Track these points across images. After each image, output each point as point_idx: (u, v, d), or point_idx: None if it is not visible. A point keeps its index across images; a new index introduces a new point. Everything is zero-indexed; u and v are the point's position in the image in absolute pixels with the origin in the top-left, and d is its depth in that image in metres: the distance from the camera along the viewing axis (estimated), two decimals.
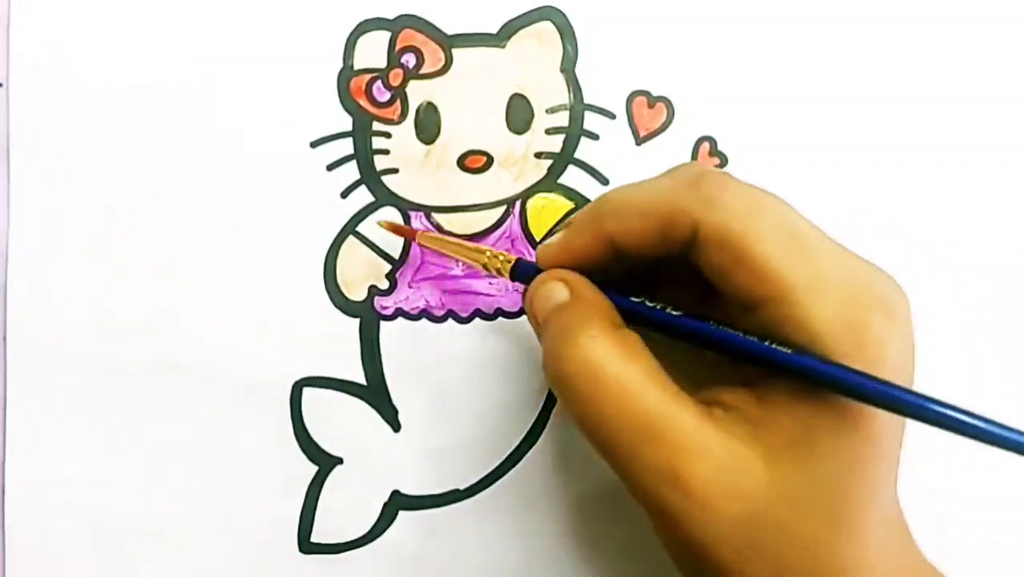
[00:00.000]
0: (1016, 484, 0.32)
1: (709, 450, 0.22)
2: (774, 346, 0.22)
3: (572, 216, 0.29)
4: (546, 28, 0.31)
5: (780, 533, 0.22)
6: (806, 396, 0.22)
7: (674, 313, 0.24)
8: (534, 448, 0.31)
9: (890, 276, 0.23)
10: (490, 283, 0.31)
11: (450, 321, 0.31)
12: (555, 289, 0.25)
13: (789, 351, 0.22)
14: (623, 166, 0.31)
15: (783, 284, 0.22)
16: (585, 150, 0.31)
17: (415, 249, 0.31)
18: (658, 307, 0.24)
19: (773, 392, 0.23)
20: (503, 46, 0.31)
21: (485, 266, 0.28)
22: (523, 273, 0.27)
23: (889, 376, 0.21)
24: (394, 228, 0.30)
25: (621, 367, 0.23)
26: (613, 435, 0.23)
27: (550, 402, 0.31)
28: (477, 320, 0.31)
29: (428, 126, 0.31)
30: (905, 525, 0.24)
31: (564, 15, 0.31)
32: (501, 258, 0.27)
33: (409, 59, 0.31)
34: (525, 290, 0.26)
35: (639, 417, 0.22)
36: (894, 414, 0.21)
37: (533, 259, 0.27)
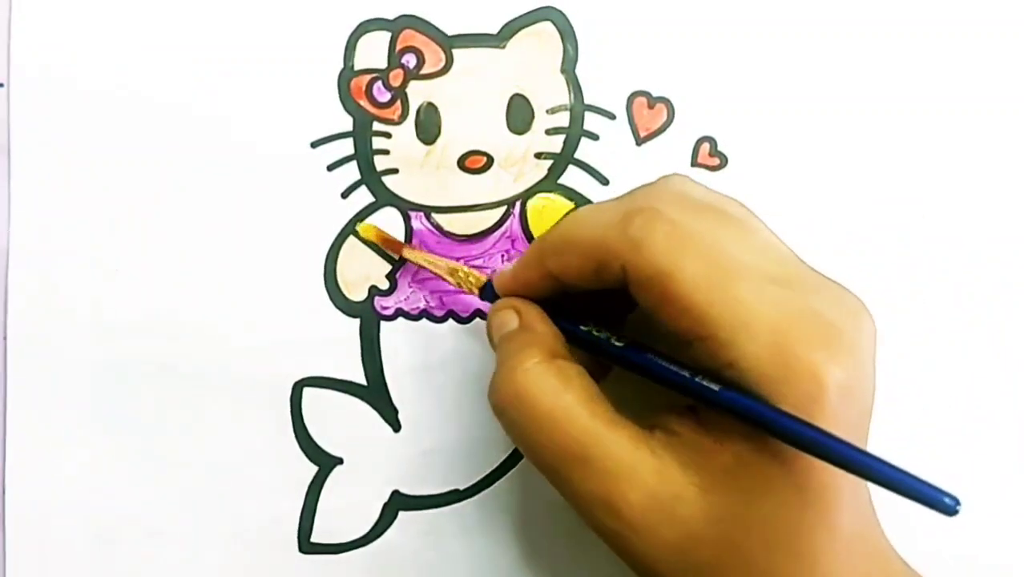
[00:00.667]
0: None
1: (642, 476, 0.22)
2: (703, 382, 0.22)
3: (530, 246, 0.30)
4: (546, 28, 0.31)
5: (720, 559, 0.22)
6: (743, 429, 0.22)
7: (616, 344, 0.25)
8: None
9: (851, 301, 0.23)
10: None
11: (450, 321, 0.31)
12: (507, 317, 0.26)
13: (716, 387, 0.22)
14: (623, 166, 0.31)
15: (708, 322, 0.22)
16: (585, 150, 0.31)
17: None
18: (603, 337, 0.25)
19: (714, 421, 0.23)
20: (503, 46, 0.31)
21: (459, 284, 0.29)
22: (490, 294, 0.28)
23: (828, 412, 0.21)
24: (384, 240, 0.31)
25: (551, 396, 0.23)
26: (546, 460, 0.24)
27: None
28: (477, 320, 0.31)
29: (428, 126, 0.31)
30: (877, 536, 0.23)
31: (564, 15, 0.31)
32: (472, 278, 0.29)
33: (409, 59, 0.31)
34: None
35: (568, 443, 0.23)
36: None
37: None
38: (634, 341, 0.25)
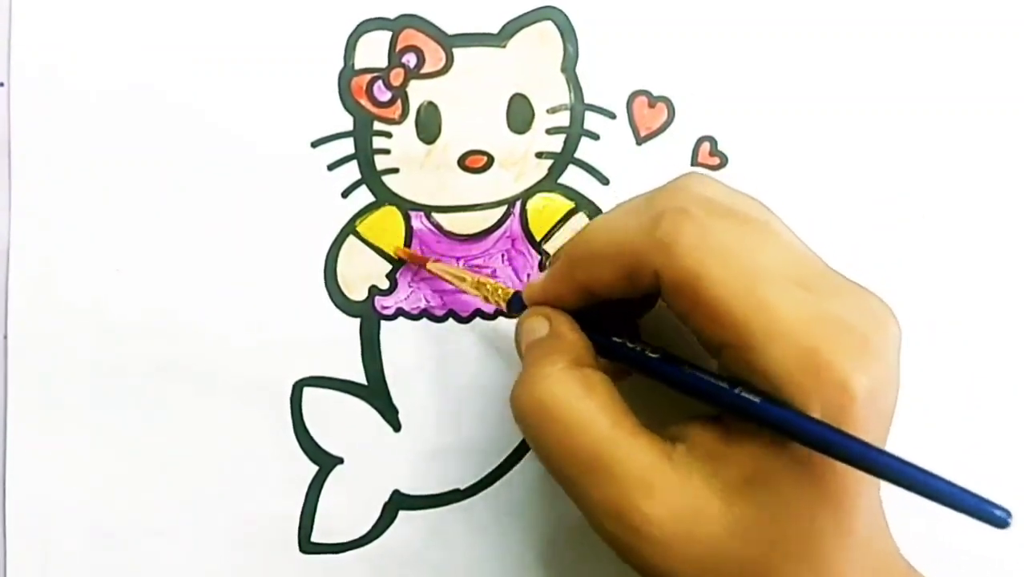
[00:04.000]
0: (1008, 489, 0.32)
1: (662, 489, 0.22)
2: (744, 394, 0.22)
3: (554, 255, 0.30)
4: (547, 28, 0.31)
5: (741, 570, 0.22)
6: (767, 437, 0.22)
7: (650, 355, 0.24)
8: None
9: (876, 304, 0.22)
10: None
11: (450, 321, 0.31)
12: (536, 324, 0.26)
13: (757, 399, 0.22)
14: (623, 166, 0.31)
15: (739, 329, 0.21)
16: (585, 150, 0.31)
17: (415, 250, 0.31)
18: (636, 348, 0.25)
19: (738, 430, 0.23)
20: (504, 46, 0.31)
21: (486, 298, 0.29)
22: (519, 307, 0.28)
23: (857, 420, 0.20)
24: (409, 256, 0.31)
25: (573, 403, 0.23)
26: (563, 468, 0.23)
27: None
28: (477, 320, 0.31)
29: (429, 126, 0.31)
30: (890, 549, 0.23)
31: (565, 15, 0.31)
32: (500, 292, 0.29)
33: (410, 59, 0.31)
34: None
35: (586, 452, 0.23)
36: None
37: (533, 262, 0.28)
38: (667, 353, 0.24)
